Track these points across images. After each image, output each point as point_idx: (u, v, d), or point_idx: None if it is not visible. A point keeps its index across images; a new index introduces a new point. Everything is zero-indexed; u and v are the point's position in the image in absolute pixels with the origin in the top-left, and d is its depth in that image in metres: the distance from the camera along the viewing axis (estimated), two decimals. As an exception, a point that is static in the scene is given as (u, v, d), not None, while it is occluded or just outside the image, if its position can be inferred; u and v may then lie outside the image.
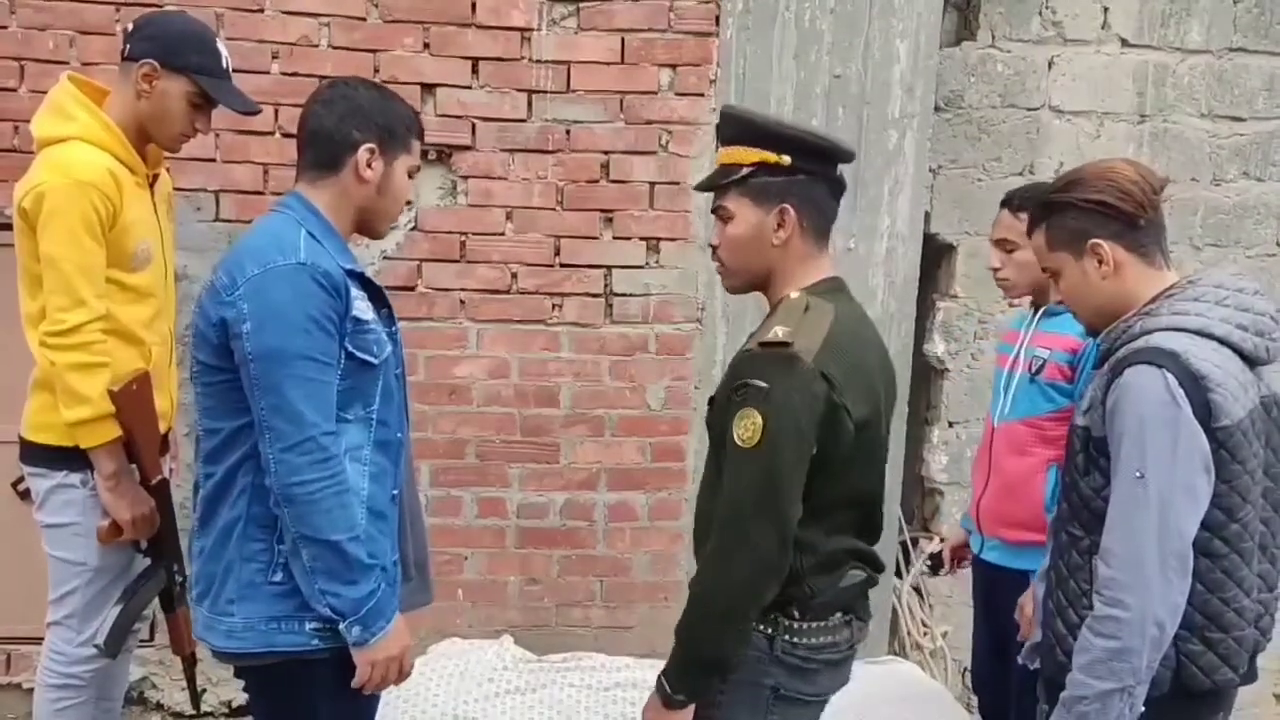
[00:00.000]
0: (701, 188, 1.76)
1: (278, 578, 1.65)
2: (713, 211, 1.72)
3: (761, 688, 1.63)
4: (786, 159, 1.62)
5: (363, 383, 1.68)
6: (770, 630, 1.61)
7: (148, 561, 2.23)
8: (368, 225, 1.79)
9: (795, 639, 1.62)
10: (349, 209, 1.74)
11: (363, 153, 1.70)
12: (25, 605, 2.22)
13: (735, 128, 1.68)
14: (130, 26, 2.12)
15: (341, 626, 1.62)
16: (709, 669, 1.60)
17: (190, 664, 2.37)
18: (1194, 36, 3.21)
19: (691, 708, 1.63)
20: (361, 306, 1.67)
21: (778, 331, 1.54)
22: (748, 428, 1.51)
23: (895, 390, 1.78)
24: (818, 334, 1.55)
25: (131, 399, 2.07)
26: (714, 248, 1.72)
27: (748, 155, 1.64)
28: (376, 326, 1.70)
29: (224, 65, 2.14)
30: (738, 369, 1.59)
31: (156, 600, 2.28)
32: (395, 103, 1.76)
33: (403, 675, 1.74)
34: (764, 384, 1.52)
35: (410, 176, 1.80)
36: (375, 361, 1.68)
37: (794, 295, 1.62)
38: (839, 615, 1.66)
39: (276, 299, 1.58)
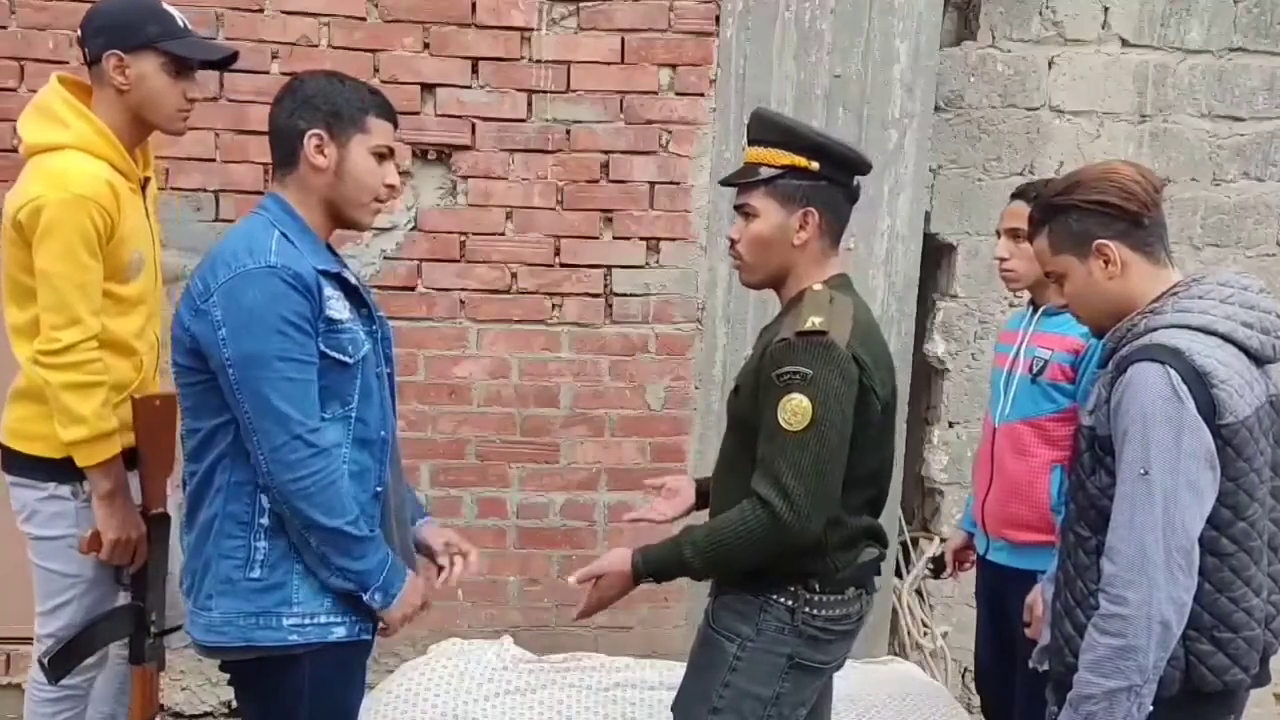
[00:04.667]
0: (727, 183, 1.84)
1: (255, 574, 1.68)
2: (736, 208, 1.80)
3: (779, 656, 1.74)
4: (815, 165, 1.73)
5: (339, 382, 1.70)
6: (792, 603, 1.73)
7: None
8: (341, 215, 1.78)
9: (815, 611, 1.74)
10: (315, 201, 1.75)
11: (310, 139, 1.71)
12: (25, 605, 2.20)
13: (768, 130, 1.77)
14: (78, 31, 2.06)
15: (365, 598, 1.70)
16: (685, 575, 1.75)
17: None
18: (1194, 36, 3.21)
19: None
20: (336, 306, 1.69)
21: (814, 321, 1.64)
22: (795, 411, 1.61)
23: (896, 380, 1.88)
24: (846, 322, 1.67)
25: (152, 413, 2.05)
26: (733, 241, 1.81)
27: (778, 158, 1.74)
28: (353, 326, 1.72)
29: (181, 24, 2.06)
30: (778, 358, 1.66)
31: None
32: (346, 86, 1.75)
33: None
34: (808, 370, 1.62)
35: (383, 159, 1.77)
36: (350, 361, 1.70)
37: (816, 288, 1.73)
38: (853, 589, 1.78)
39: (248, 303, 1.61)
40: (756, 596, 1.74)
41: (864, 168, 1.79)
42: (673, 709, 1.85)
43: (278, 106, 1.75)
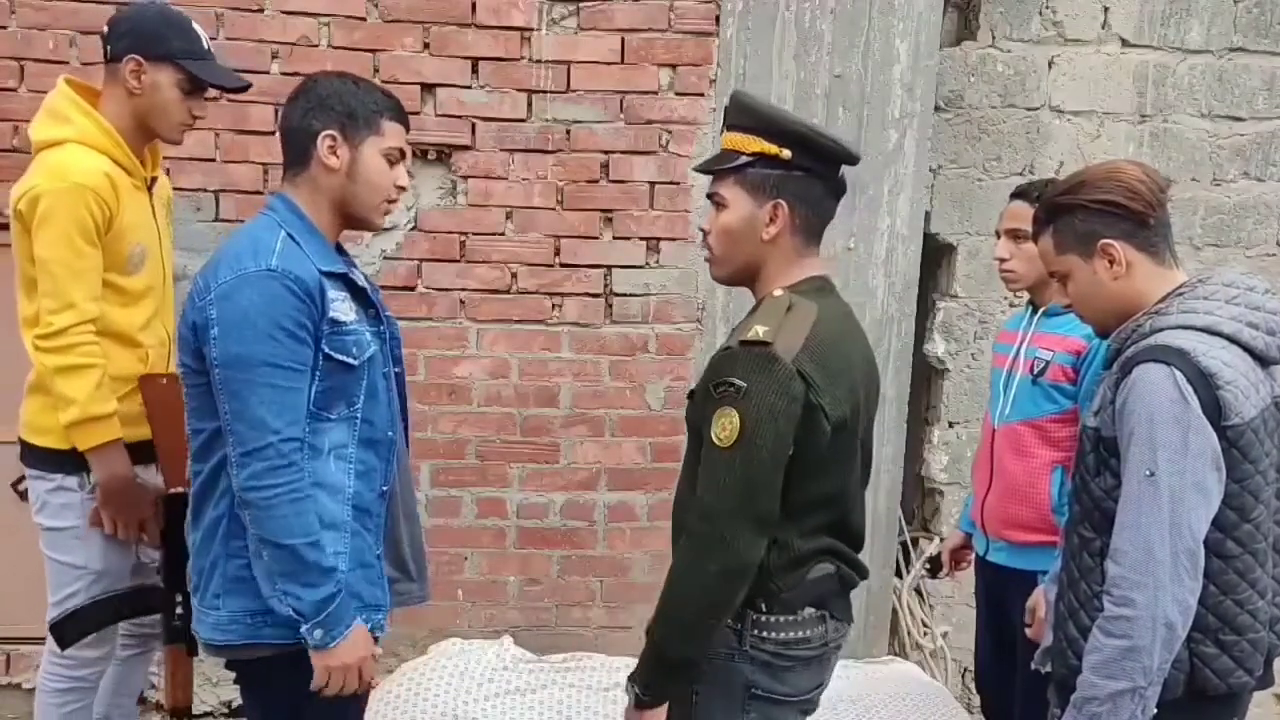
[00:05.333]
0: (701, 169, 1.75)
1: None
2: (708, 196, 1.70)
3: (735, 686, 1.61)
4: (787, 153, 1.59)
5: (344, 383, 1.69)
6: (738, 624, 1.59)
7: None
8: (352, 217, 1.77)
9: (764, 633, 1.60)
10: (325, 202, 1.74)
11: (323, 140, 1.70)
12: (25, 605, 2.22)
13: (741, 115, 1.65)
14: (105, 29, 2.11)
15: (303, 629, 1.63)
16: (677, 669, 1.57)
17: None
18: (1194, 36, 3.21)
19: (664, 706, 1.60)
20: (340, 308, 1.68)
21: (758, 330, 1.52)
22: (725, 427, 1.49)
23: (877, 390, 1.77)
24: (799, 334, 1.53)
25: (159, 392, 2.07)
26: (704, 233, 1.70)
27: (748, 144, 1.62)
28: (358, 327, 1.71)
29: (205, 45, 2.12)
30: (717, 366, 1.56)
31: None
32: (361, 88, 1.74)
33: (362, 684, 1.72)
34: (742, 383, 1.49)
35: (394, 162, 1.77)
36: (354, 363, 1.69)
37: (777, 293, 1.60)
38: (810, 610, 1.63)
39: (243, 305, 1.59)
40: None
41: (845, 158, 1.64)
42: None
43: (290, 106, 1.73)
